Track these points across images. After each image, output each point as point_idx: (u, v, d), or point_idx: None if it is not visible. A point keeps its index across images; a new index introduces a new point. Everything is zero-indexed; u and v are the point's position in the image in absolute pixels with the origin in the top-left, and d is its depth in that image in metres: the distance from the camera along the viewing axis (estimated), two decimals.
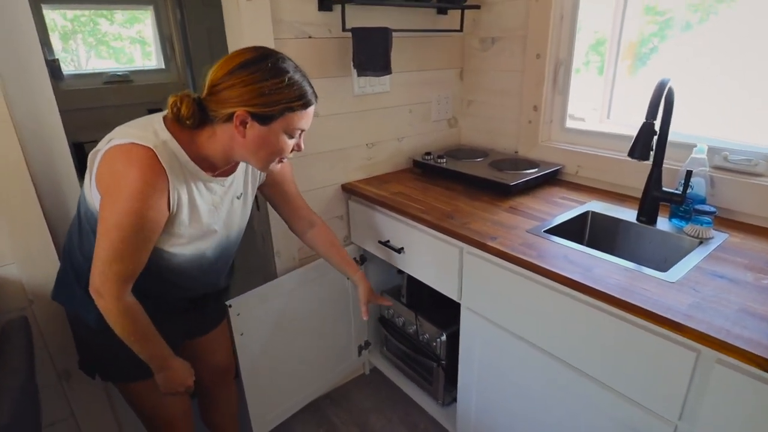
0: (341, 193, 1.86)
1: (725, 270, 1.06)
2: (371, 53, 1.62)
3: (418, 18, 1.86)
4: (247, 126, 0.95)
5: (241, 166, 1.16)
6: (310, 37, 1.61)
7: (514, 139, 1.95)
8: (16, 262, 1.25)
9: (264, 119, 0.95)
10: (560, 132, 1.83)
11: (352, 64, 1.66)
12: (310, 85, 1.02)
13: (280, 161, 1.06)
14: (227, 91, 0.93)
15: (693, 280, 1.02)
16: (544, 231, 1.31)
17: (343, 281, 1.89)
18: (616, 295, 0.97)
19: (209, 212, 1.08)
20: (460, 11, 1.89)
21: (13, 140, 1.19)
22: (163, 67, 3.10)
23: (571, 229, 1.42)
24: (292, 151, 1.05)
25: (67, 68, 2.73)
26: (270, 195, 1.35)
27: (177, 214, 1.00)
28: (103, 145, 0.95)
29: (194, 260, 1.11)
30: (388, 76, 1.83)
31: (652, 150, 1.17)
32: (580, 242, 1.44)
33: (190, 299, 1.24)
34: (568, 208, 1.49)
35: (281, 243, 1.74)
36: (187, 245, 1.07)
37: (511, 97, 1.92)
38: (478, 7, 1.89)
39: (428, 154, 1.91)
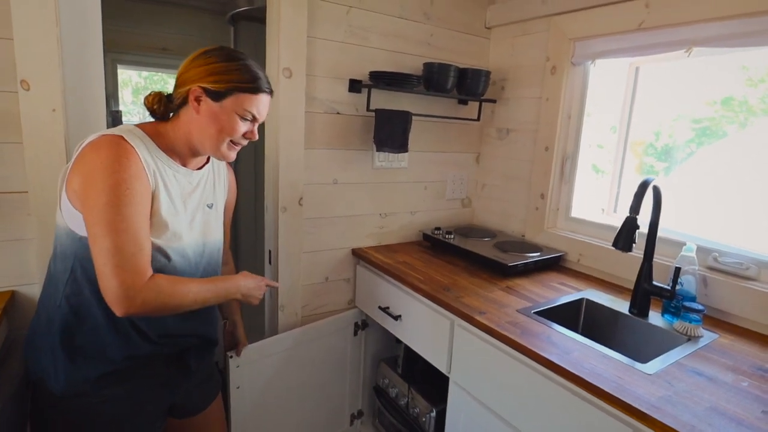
0: (351, 257, 1.96)
1: (706, 368, 1.06)
2: (391, 132, 1.79)
3: (441, 105, 2.05)
4: (201, 102, 1.02)
5: (210, 173, 1.20)
6: (338, 113, 1.80)
7: (522, 223, 2.03)
8: (39, 283, 1.37)
9: (216, 95, 1.01)
10: (565, 220, 1.90)
11: (373, 140, 1.83)
12: (266, 78, 1.08)
13: (232, 146, 1.08)
14: (186, 75, 1.03)
15: (670, 374, 1.03)
16: (534, 312, 1.35)
17: (343, 346, 1.92)
18: (587, 379, 0.98)
19: (181, 203, 1.08)
20: (478, 103, 2.07)
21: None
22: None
23: (565, 315, 1.44)
24: (245, 136, 1.08)
25: (129, 119, 3.08)
26: None
27: (155, 195, 1.00)
28: (73, 155, 0.98)
29: (178, 265, 1.06)
30: (406, 154, 1.98)
31: (634, 242, 1.22)
32: (573, 328, 1.46)
33: (173, 355, 1.13)
34: (564, 294, 1.52)
35: (286, 298, 1.82)
36: (170, 240, 1.03)
37: (522, 184, 2.03)
38: (494, 101, 2.08)
39: (438, 229, 2.00)
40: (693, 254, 1.31)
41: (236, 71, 1.03)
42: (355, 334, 1.95)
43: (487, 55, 2.16)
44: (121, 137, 0.97)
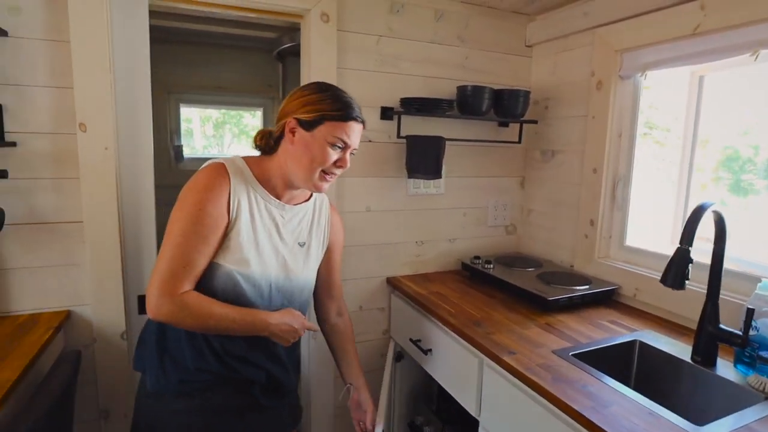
0: (386, 286, 1.89)
1: None
2: (423, 158, 1.73)
3: (479, 128, 1.97)
4: (295, 133, 1.06)
5: (309, 212, 1.21)
6: (370, 141, 1.77)
7: (571, 252, 1.86)
8: (91, 304, 1.48)
9: (308, 125, 1.05)
10: (619, 250, 1.71)
11: (405, 167, 1.78)
12: (357, 107, 1.09)
13: (324, 177, 1.09)
14: (284, 109, 1.09)
15: None
16: (573, 354, 1.19)
17: (376, 378, 1.84)
18: None
19: (266, 234, 1.10)
20: (518, 125, 1.96)
21: (114, 209, 1.46)
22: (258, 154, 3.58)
23: (612, 359, 1.27)
24: (336, 165, 1.08)
25: (188, 152, 3.31)
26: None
27: (236, 221, 1.04)
28: None
29: (246, 291, 1.07)
30: (442, 179, 1.91)
31: (687, 279, 1.05)
32: (623, 376, 1.29)
33: (242, 382, 1.12)
34: (613, 334, 1.34)
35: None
36: (239, 264, 1.05)
37: (570, 209, 1.87)
38: (535, 122, 1.95)
39: (477, 257, 1.89)
40: None
41: (326, 100, 1.06)
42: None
43: (528, 74, 2.06)
44: (223, 165, 1.05)
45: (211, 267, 1.04)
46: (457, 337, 1.39)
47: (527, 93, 1.85)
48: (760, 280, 1.12)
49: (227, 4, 1.55)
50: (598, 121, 1.71)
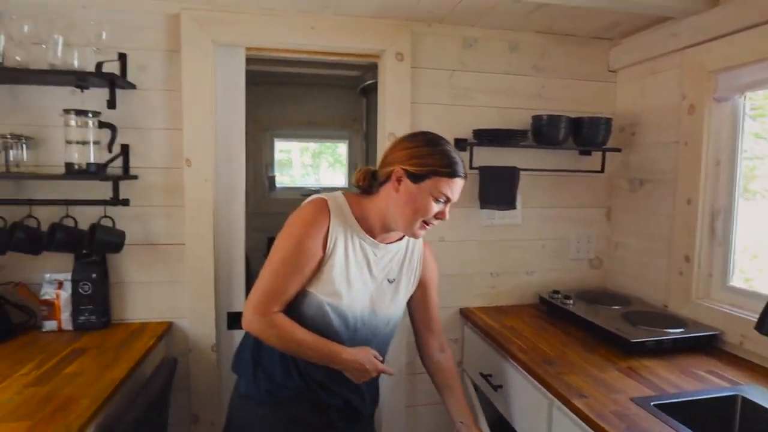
0: (459, 317, 1.88)
1: None
2: (496, 189, 1.72)
3: (558, 158, 1.91)
4: (401, 182, 1.10)
5: (402, 251, 1.25)
6: None
7: (665, 291, 1.69)
8: (188, 318, 1.68)
9: (415, 177, 1.09)
10: (721, 290, 1.53)
11: (478, 197, 1.78)
12: (462, 163, 1.13)
13: (423, 226, 1.13)
14: (391, 156, 1.14)
15: None
16: (654, 404, 1.09)
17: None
18: None
19: (357, 269, 1.16)
20: (601, 153, 1.87)
21: (210, 233, 1.66)
22: (346, 185, 3.77)
23: (706, 415, 1.13)
24: (436, 216, 1.13)
25: (281, 182, 3.64)
26: (413, 295, 1.33)
27: (331, 256, 1.11)
28: None
29: (333, 321, 1.13)
30: (518, 210, 1.87)
31: None
32: None
33: (320, 403, 1.19)
34: (711, 386, 1.20)
35: (389, 354, 1.80)
36: (331, 296, 1.12)
37: (662, 243, 1.72)
38: (619, 149, 1.85)
39: (557, 292, 1.80)
40: None
41: (435, 155, 1.10)
42: None
43: (612, 99, 1.96)
44: (325, 201, 1.14)
45: (305, 295, 1.13)
46: (526, 374, 1.33)
47: (609, 120, 1.77)
48: None
49: (312, 50, 1.72)
50: (690, 147, 1.57)
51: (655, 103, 1.76)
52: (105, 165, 1.50)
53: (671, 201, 1.67)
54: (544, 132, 1.75)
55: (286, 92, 3.41)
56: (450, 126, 1.79)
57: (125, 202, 1.56)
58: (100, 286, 1.56)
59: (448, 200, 1.12)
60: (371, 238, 1.17)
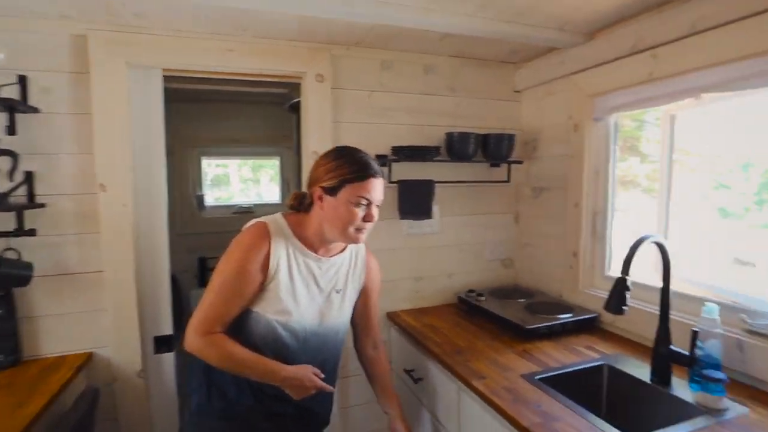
0: (386, 320, 2.03)
1: None
2: (413, 201, 1.90)
3: (471, 170, 2.12)
4: (323, 199, 1.19)
5: (347, 260, 1.34)
6: None
7: (560, 283, 1.95)
8: (110, 346, 1.65)
9: (332, 191, 1.17)
10: (601, 279, 1.79)
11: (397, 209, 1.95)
12: (372, 163, 1.20)
13: (359, 231, 1.20)
14: (311, 177, 1.23)
15: None
16: (538, 378, 1.29)
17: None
18: None
19: (304, 285, 1.23)
20: (507, 165, 2.10)
21: (131, 258, 1.64)
22: (279, 201, 3.83)
23: (582, 382, 1.36)
24: (365, 220, 1.19)
25: (219, 199, 3.63)
26: (356, 301, 1.42)
27: (275, 277, 1.18)
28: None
29: (283, 336, 1.21)
30: (437, 219, 2.06)
31: (625, 305, 1.15)
32: (595, 397, 1.37)
33: (274, 414, 1.25)
34: (587, 359, 1.43)
35: None
36: (279, 314, 1.19)
37: (557, 242, 1.97)
38: (521, 162, 2.10)
39: (472, 291, 2.01)
40: (716, 316, 1.17)
41: (344, 165, 1.17)
42: None
43: (519, 117, 2.21)
44: (265, 225, 1.20)
45: (251, 315, 1.19)
46: (439, 365, 1.51)
47: (512, 136, 2.01)
48: (698, 304, 1.20)
49: (231, 72, 1.78)
50: (576, 159, 1.84)
51: (550, 121, 2.02)
52: (6, 194, 1.43)
53: (563, 205, 1.92)
54: (456, 147, 1.95)
55: (214, 109, 3.41)
56: (371, 143, 1.94)
57: (31, 232, 1.50)
58: (7, 323, 1.49)
59: (369, 202, 1.19)
60: (314, 254, 1.25)
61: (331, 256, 1.29)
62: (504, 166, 2.15)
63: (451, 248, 2.14)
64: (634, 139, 1.84)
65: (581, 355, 1.46)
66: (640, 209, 1.80)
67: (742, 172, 1.62)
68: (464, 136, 1.94)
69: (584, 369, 1.37)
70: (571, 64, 1.84)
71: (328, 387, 1.23)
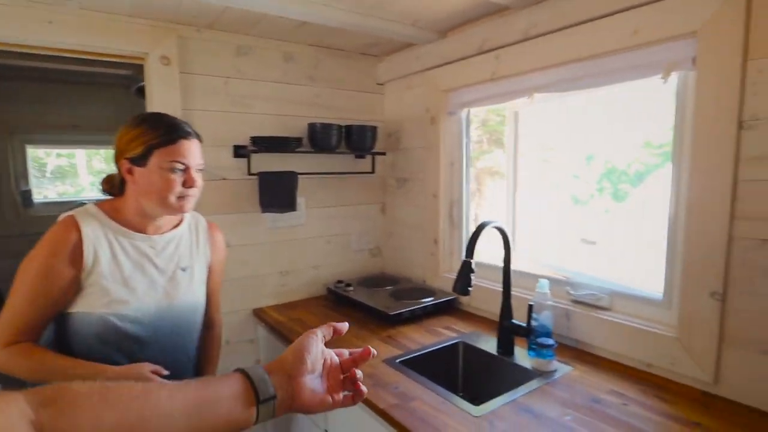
0: (252, 317, 1.94)
1: (539, 405, 1.06)
2: (275, 193, 1.83)
3: (336, 161, 2.11)
4: (133, 172, 1.08)
5: (183, 238, 1.23)
6: (224, 179, 1.84)
7: (423, 269, 2.05)
8: None
9: (140, 160, 1.07)
10: (459, 264, 1.92)
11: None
12: (182, 124, 1.11)
13: (182, 199, 1.10)
14: (115, 153, 1.10)
15: (498, 415, 1.03)
16: (399, 361, 1.34)
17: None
18: (408, 427, 0.97)
19: (138, 270, 1.12)
20: (371, 156, 2.15)
21: None
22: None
23: (440, 360, 1.44)
24: (186, 186, 1.10)
25: (37, 197, 3.11)
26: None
27: (94, 268, 1.06)
28: None
29: (127, 329, 1.09)
30: (303, 211, 2.02)
31: (470, 286, 1.25)
32: (452, 372, 1.46)
33: None
34: (444, 339, 1.52)
35: None
36: (111, 306, 1.07)
37: (420, 230, 2.07)
38: (383, 153, 2.16)
39: (340, 282, 2.01)
40: (546, 290, 1.33)
41: (148, 131, 1.07)
42: None
43: (382, 109, 2.27)
44: (71, 218, 1.07)
45: (79, 318, 1.06)
46: None
47: (374, 128, 2.05)
48: (537, 281, 1.36)
49: (52, 47, 1.53)
50: (433, 152, 1.94)
51: (410, 113, 2.10)
52: None
53: (423, 195, 2.02)
54: (319, 138, 1.93)
55: (45, 90, 2.92)
56: (228, 133, 1.84)
57: None
58: None
59: (186, 167, 1.09)
60: (142, 234, 1.14)
61: (163, 233, 1.19)
62: (369, 158, 2.19)
63: (318, 240, 2.12)
64: (498, 132, 2.01)
65: (440, 335, 1.55)
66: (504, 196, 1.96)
67: (587, 163, 1.87)
68: (327, 127, 1.93)
69: (442, 348, 1.46)
70: (426, 59, 1.93)
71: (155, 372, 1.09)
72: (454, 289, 1.26)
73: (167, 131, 1.08)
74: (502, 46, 1.59)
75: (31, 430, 0.45)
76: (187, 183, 1.10)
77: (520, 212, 1.89)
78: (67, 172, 3.47)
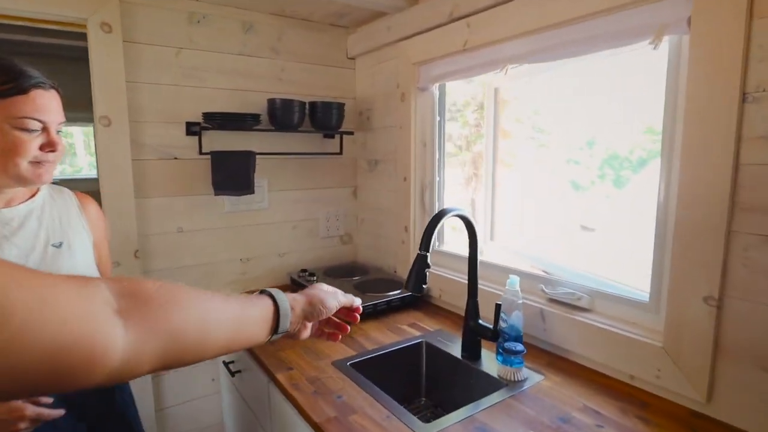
0: None
1: (498, 425, 0.93)
2: (230, 174, 1.67)
3: (300, 141, 1.95)
4: None
5: (45, 210, 1.04)
6: (175, 159, 1.68)
7: (394, 258, 1.90)
8: None
9: None
10: (432, 254, 1.77)
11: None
12: (33, 72, 0.92)
13: (38, 166, 0.92)
14: None
15: None
16: (350, 363, 1.20)
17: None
18: None
19: None
20: (339, 136, 1.98)
21: None
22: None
23: (400, 361, 1.30)
24: (44, 149, 0.92)
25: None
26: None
27: None
28: None
29: None
30: (265, 194, 1.86)
31: (425, 283, 1.10)
32: (415, 375, 1.33)
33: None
34: (406, 338, 1.38)
35: None
36: None
37: (391, 216, 1.91)
38: (351, 133, 1.98)
39: (304, 270, 1.86)
40: (517, 287, 1.18)
41: None
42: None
43: (353, 85, 2.09)
44: None
45: None
46: (250, 355, 1.34)
47: (341, 105, 1.87)
48: (508, 277, 1.20)
49: None
50: (404, 131, 1.77)
51: (381, 90, 1.93)
52: None
53: (395, 179, 1.86)
54: (279, 115, 1.76)
55: None
56: (180, 109, 1.67)
57: None
58: None
59: (43, 124, 0.91)
60: None
61: (18, 205, 0.99)
62: (338, 138, 2.02)
63: (283, 225, 1.96)
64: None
65: (403, 333, 1.41)
66: (504, 183, 1.80)
67: (588, 148, 1.71)
68: (288, 104, 1.75)
69: (402, 349, 1.32)
70: (397, 29, 1.75)
71: (51, 414, 0.89)
72: (406, 286, 1.11)
73: (11, 78, 0.87)
74: (474, 13, 1.42)
75: (115, 316, 0.47)
76: (48, 146, 0.91)
77: (500, 197, 1.74)
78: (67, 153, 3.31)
